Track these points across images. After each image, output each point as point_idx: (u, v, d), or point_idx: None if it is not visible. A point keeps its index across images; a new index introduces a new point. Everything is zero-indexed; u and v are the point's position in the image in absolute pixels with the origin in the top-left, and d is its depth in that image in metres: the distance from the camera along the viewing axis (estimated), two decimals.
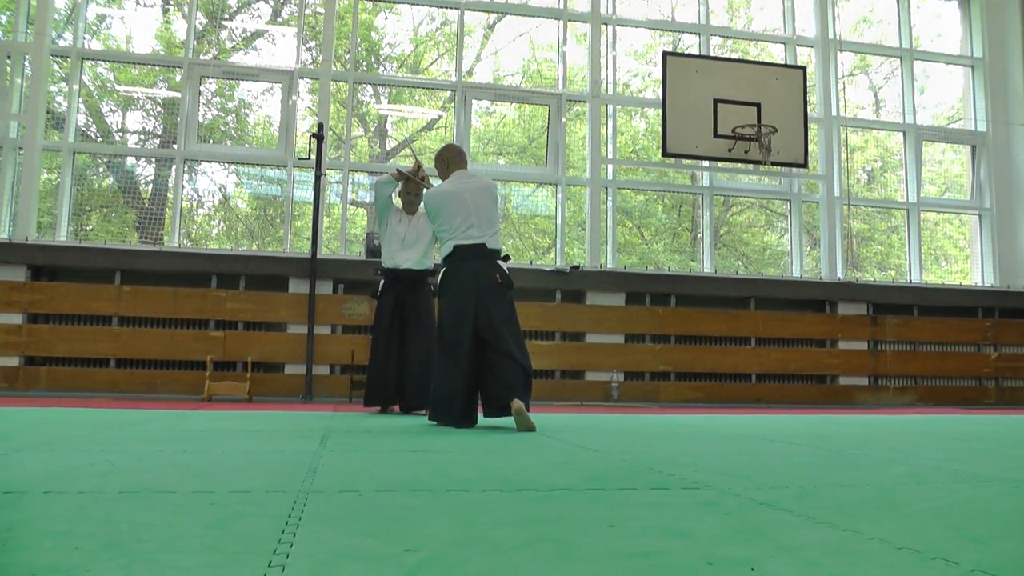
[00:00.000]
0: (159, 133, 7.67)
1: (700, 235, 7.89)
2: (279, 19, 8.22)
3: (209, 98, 7.64)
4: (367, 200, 7.39)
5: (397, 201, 5.05)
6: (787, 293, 7.17)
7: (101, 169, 7.16)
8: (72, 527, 1.26)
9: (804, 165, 7.23)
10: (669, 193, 8.91)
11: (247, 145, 7.76)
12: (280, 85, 6.84)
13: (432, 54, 8.67)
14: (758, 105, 7.09)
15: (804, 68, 7.43)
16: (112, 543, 1.15)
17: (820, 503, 1.65)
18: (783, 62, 7.73)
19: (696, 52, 7.68)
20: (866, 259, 9.62)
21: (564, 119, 7.16)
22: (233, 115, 8.02)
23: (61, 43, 6.67)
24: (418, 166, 4.84)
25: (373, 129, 8.87)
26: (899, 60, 8.08)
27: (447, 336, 3.79)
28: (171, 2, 7.84)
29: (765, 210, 9.56)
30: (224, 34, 7.81)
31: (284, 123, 6.77)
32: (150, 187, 7.17)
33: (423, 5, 7.47)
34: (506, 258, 3.95)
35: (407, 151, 8.15)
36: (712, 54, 7.62)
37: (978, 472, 2.26)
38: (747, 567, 1.08)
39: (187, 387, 5.93)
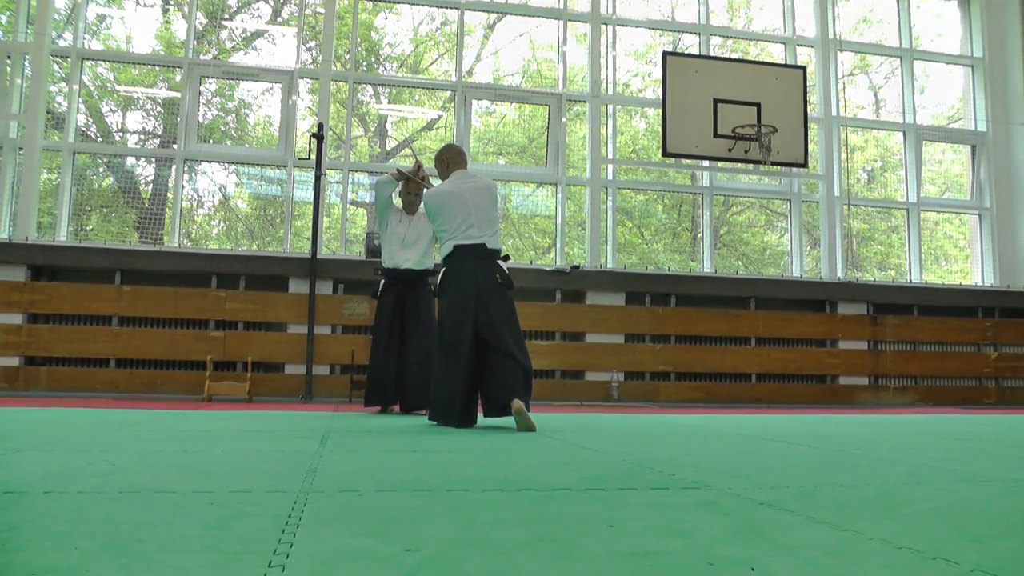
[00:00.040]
0: (159, 133, 7.67)
1: (700, 235, 7.89)
2: (279, 19, 8.22)
3: (209, 98, 7.64)
4: (367, 200, 7.39)
5: (397, 201, 5.05)
6: (787, 293, 7.17)
7: (101, 169, 7.16)
8: (72, 527, 1.26)
9: (804, 165, 7.23)
10: (669, 193, 8.92)
11: (247, 145, 7.76)
12: (280, 85, 6.84)
13: (432, 54, 8.67)
14: (758, 105, 7.09)
15: (804, 68, 7.43)
16: (112, 543, 1.15)
17: (820, 503, 1.65)
18: (783, 62, 7.73)
19: (696, 52, 7.68)
20: (866, 259, 9.62)
21: (564, 119, 7.16)
22: (233, 115, 8.02)
23: (61, 43, 6.67)
24: (418, 166, 4.84)
25: (373, 129, 8.87)
26: (899, 60, 8.08)
27: (447, 336, 3.78)
28: (171, 2, 7.84)
29: (765, 210, 9.56)
30: (224, 34, 7.81)
31: (284, 123, 6.77)
32: (150, 187, 7.17)
33: (423, 5, 7.47)
34: (506, 258, 3.95)
35: (407, 151, 8.16)
36: (712, 54, 7.62)
37: (978, 472, 2.26)
38: (747, 567, 1.08)
39: (187, 387, 5.93)
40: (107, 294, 6.02)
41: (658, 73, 7.29)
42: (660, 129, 7.08)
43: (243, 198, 8.04)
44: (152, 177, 7.14)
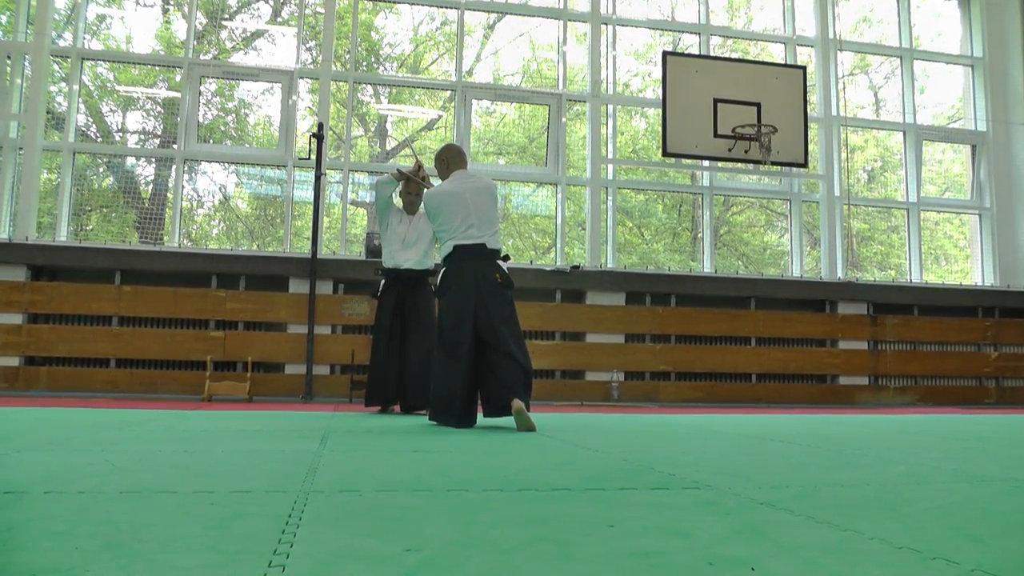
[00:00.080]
0: (159, 133, 7.67)
1: (700, 235, 7.89)
2: (279, 19, 8.22)
3: (209, 98, 7.65)
4: (367, 200, 7.39)
5: (398, 201, 5.05)
6: (787, 293, 7.17)
7: (101, 169, 7.16)
8: (72, 527, 1.26)
9: (804, 165, 7.23)
10: (669, 193, 8.91)
11: (247, 145, 7.76)
12: (280, 85, 6.84)
13: (432, 54, 8.67)
14: (758, 105, 7.09)
15: (804, 68, 7.43)
16: (112, 543, 1.15)
17: (820, 503, 1.65)
18: (783, 62, 7.73)
19: (696, 52, 7.68)
20: (866, 259, 9.62)
21: (564, 119, 7.16)
22: (233, 115, 8.03)
23: (61, 43, 6.67)
24: (419, 166, 4.84)
25: (373, 129, 8.87)
26: (899, 60, 8.08)
27: (447, 336, 3.79)
28: (171, 2, 7.84)
29: (765, 210, 9.56)
30: (224, 34, 7.81)
31: (284, 123, 6.77)
32: (150, 187, 7.17)
33: (423, 5, 7.47)
34: (506, 258, 3.95)
35: (407, 151, 8.16)
36: (712, 54, 7.62)
37: (978, 472, 2.26)
38: (747, 567, 1.08)
39: (187, 387, 5.93)
40: (107, 294, 6.02)
41: (658, 73, 7.29)
42: (660, 129, 7.08)
43: (243, 198, 8.04)
44: (152, 177, 7.15)
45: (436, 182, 4.46)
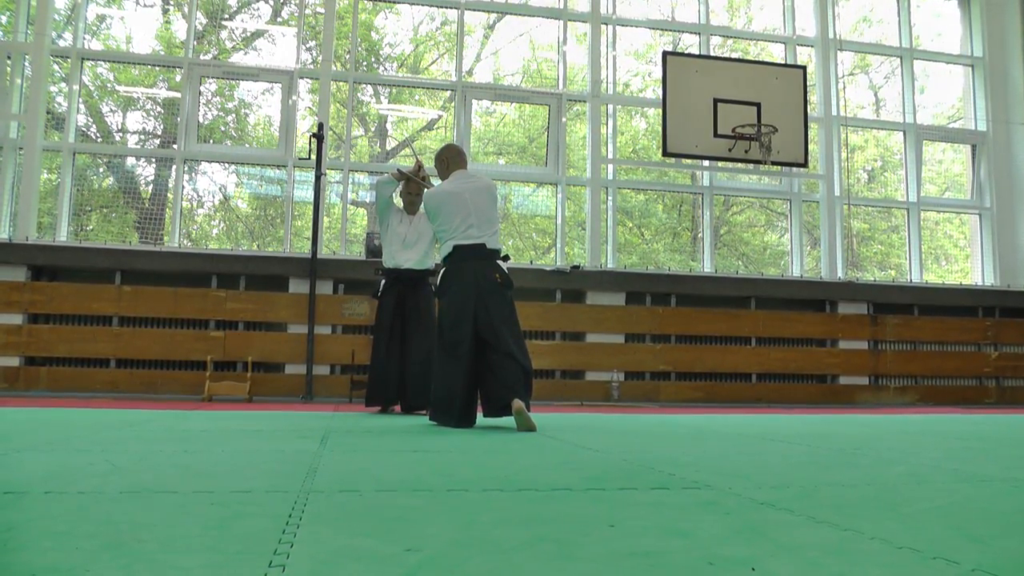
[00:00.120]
0: (159, 133, 7.67)
1: (700, 235, 7.89)
2: (279, 19, 8.22)
3: (209, 98, 7.65)
4: (368, 200, 7.39)
5: (398, 201, 5.05)
6: (787, 293, 7.17)
7: (101, 169, 7.16)
8: (72, 527, 1.26)
9: (804, 165, 7.23)
10: (669, 193, 8.91)
11: (247, 145, 7.76)
12: (280, 85, 6.84)
13: (432, 54, 8.67)
14: (758, 105, 7.09)
15: (804, 68, 7.43)
16: (112, 543, 1.15)
17: (820, 503, 1.65)
18: (783, 62, 7.73)
19: (696, 52, 7.68)
20: (866, 259, 9.62)
21: (564, 119, 7.16)
22: (233, 115, 8.02)
23: (61, 43, 6.68)
24: (419, 166, 4.84)
25: (373, 129, 8.87)
26: (899, 59, 8.08)
27: (447, 336, 3.79)
28: (171, 2, 7.84)
29: (765, 210, 9.56)
30: (224, 34, 7.81)
31: (284, 123, 6.77)
32: (150, 187, 7.17)
33: (423, 5, 7.47)
34: (506, 258, 3.95)
35: (408, 151, 8.16)
36: (712, 54, 7.62)
37: (978, 472, 2.26)
38: (748, 567, 1.08)
39: (187, 387, 5.93)
40: (107, 294, 6.02)
41: (658, 73, 7.29)
42: (660, 129, 7.08)
43: (243, 198, 8.04)
44: (152, 177, 7.15)
45: (436, 182, 4.46)
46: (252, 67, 6.97)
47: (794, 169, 7.33)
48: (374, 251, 6.16)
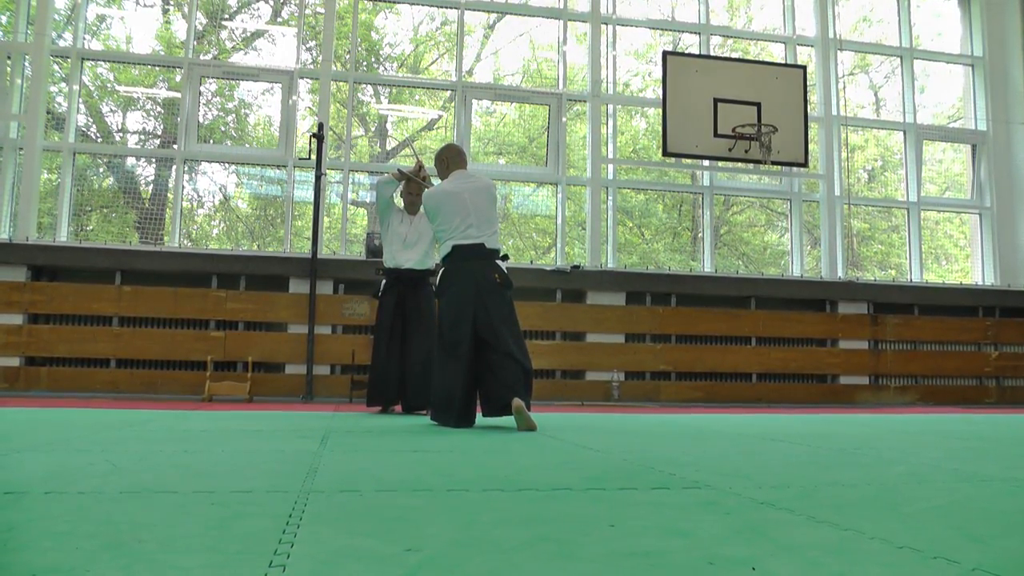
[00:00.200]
0: (159, 133, 7.67)
1: (700, 235, 7.89)
2: (279, 19, 8.22)
3: (209, 98, 7.65)
4: (368, 200, 7.39)
5: (399, 201, 5.05)
6: (787, 292, 7.17)
7: (101, 169, 7.16)
8: (72, 527, 1.26)
9: (804, 164, 7.23)
10: (669, 193, 8.91)
11: (247, 145, 7.76)
12: (280, 85, 6.84)
13: (432, 54, 8.67)
14: (758, 104, 7.09)
15: (804, 67, 7.43)
16: (112, 543, 1.15)
17: (821, 503, 1.65)
18: (783, 61, 7.73)
19: (696, 52, 7.68)
20: (866, 258, 9.62)
21: (564, 119, 7.16)
22: (233, 115, 8.02)
23: (61, 43, 6.67)
24: (419, 166, 4.84)
25: (373, 129, 8.87)
26: (899, 59, 8.08)
27: (447, 336, 3.79)
28: (171, 2, 7.84)
29: (765, 209, 9.56)
30: (224, 34, 7.81)
31: (284, 123, 6.77)
32: (150, 187, 7.17)
33: (423, 5, 7.47)
34: (505, 258, 3.95)
35: (408, 151, 8.16)
36: (712, 54, 7.62)
37: (979, 471, 2.26)
38: (748, 567, 1.08)
39: (187, 387, 5.93)
40: (107, 294, 6.02)
41: (658, 73, 7.29)
42: (660, 129, 7.08)
43: (243, 198, 8.04)
44: (152, 177, 7.15)
45: (437, 182, 4.46)
46: (252, 67, 6.97)
47: (794, 169, 7.33)
48: (374, 251, 6.16)
